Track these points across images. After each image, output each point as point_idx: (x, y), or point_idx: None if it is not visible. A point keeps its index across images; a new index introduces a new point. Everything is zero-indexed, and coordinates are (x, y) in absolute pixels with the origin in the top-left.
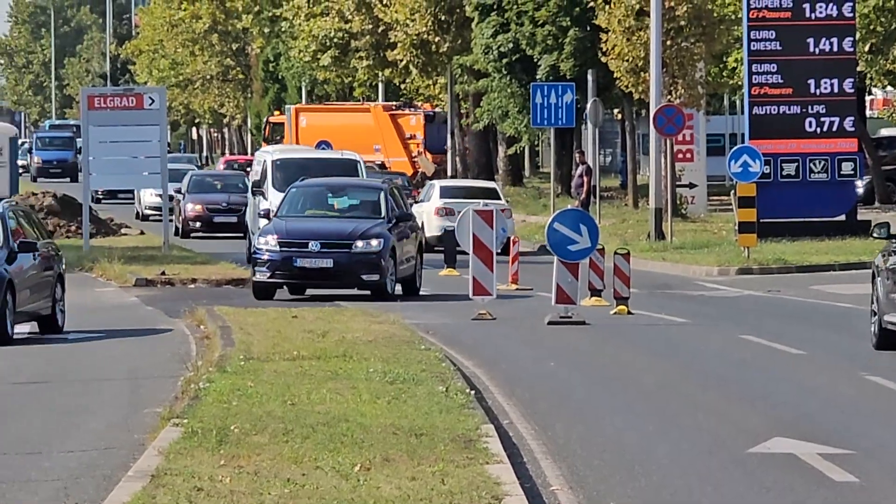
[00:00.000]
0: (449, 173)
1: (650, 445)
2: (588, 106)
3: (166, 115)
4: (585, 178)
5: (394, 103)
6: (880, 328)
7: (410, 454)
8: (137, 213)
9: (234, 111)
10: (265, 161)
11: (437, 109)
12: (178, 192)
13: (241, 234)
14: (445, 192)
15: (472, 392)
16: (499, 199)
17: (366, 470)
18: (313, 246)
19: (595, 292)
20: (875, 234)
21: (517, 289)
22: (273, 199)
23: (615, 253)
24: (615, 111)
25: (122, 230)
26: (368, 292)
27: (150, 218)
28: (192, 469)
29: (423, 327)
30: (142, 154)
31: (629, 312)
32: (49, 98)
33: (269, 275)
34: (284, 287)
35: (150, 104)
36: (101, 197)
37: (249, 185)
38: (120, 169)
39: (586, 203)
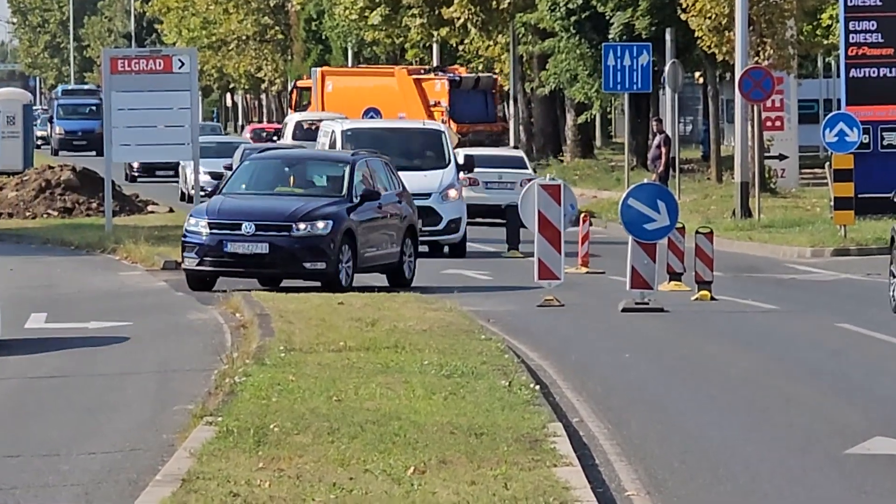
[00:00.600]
0: (511, 143)
1: (736, 445)
2: (666, 69)
3: (197, 79)
4: (663, 149)
5: (423, 67)
6: None
7: (469, 456)
8: (182, 193)
9: (273, 75)
10: (333, 132)
11: (469, 74)
12: (230, 168)
13: None
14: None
15: (538, 387)
16: (525, 168)
17: (420, 473)
18: (247, 228)
19: (674, 276)
20: None
21: (587, 272)
22: None
23: (696, 232)
24: (696, 74)
25: (149, 207)
26: (318, 283)
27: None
28: (227, 472)
29: (484, 315)
30: (170, 123)
31: (712, 298)
32: (67, 61)
33: (197, 261)
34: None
35: (180, 67)
36: (136, 174)
37: None
38: (145, 140)
39: (664, 177)
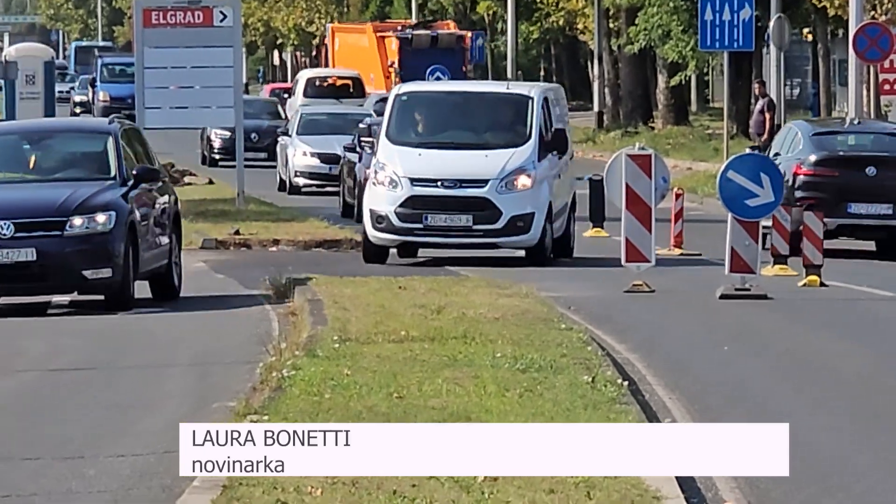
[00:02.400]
0: (596, 108)
1: (849, 451)
2: (770, 24)
3: (241, 34)
4: (766, 115)
5: (400, 22)
6: None
7: None
8: (282, 182)
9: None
10: (393, 98)
11: (447, 30)
12: (352, 149)
13: None
14: None
15: (625, 383)
16: None
17: (492, 480)
18: (1, 230)
19: (779, 259)
20: None
21: (681, 254)
22: (384, 154)
23: (805, 209)
24: (804, 31)
25: (186, 178)
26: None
27: (304, 190)
28: (273, 478)
29: (564, 302)
30: (209, 84)
31: (822, 284)
32: (94, 13)
33: None
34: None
35: (222, 20)
36: (219, 156)
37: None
38: (181, 102)
39: (768, 146)
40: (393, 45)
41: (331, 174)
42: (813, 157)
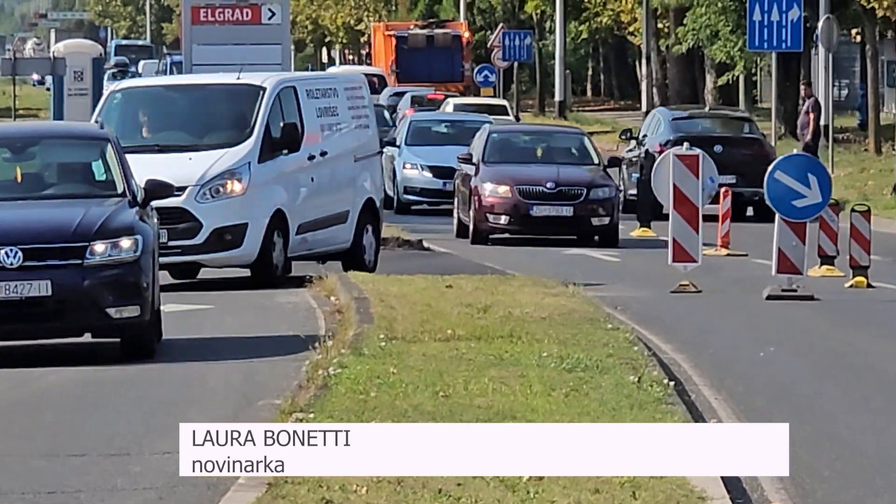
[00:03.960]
0: (644, 108)
1: (895, 453)
2: (819, 25)
3: (290, 32)
4: (812, 116)
5: (414, 22)
6: None
7: None
8: (388, 198)
9: None
10: (106, 97)
11: (443, 30)
12: (467, 159)
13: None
14: (457, 110)
15: (672, 383)
16: (507, 115)
17: (538, 479)
18: (7, 258)
19: (826, 259)
20: None
21: (728, 254)
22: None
23: (852, 210)
24: (853, 32)
25: None
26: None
27: (413, 208)
28: (319, 476)
29: (611, 301)
30: None
31: (869, 285)
32: (142, 9)
33: None
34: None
35: (270, 18)
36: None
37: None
38: None
39: (813, 147)
40: (393, 44)
41: (445, 190)
42: (671, 138)
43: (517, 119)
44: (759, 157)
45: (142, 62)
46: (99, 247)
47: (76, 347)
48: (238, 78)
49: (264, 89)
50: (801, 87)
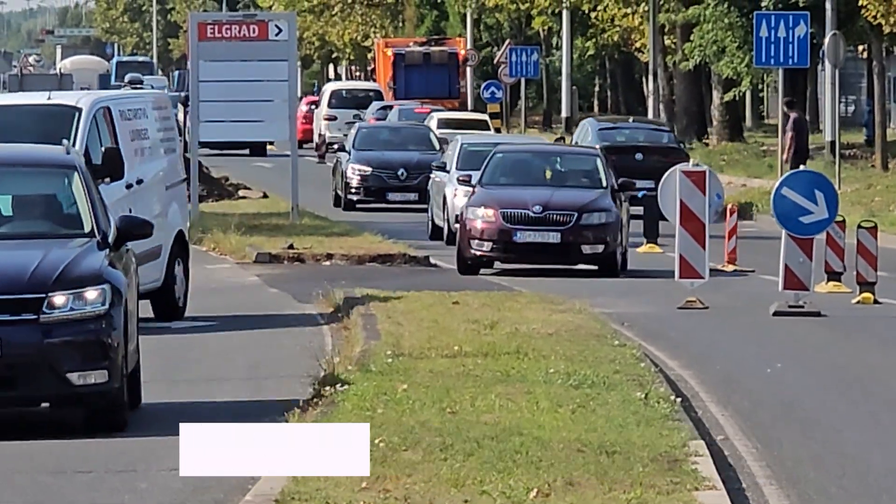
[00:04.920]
0: None
1: None
2: (826, 41)
3: (296, 48)
4: (791, 135)
5: (412, 39)
6: None
7: (600, 477)
8: (436, 229)
9: None
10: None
11: (440, 47)
12: (443, 168)
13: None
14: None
15: (678, 400)
16: (488, 129)
17: (544, 496)
18: None
19: (833, 276)
20: None
21: (735, 270)
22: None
23: (859, 226)
24: (860, 48)
25: (240, 192)
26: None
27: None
28: (326, 493)
29: (617, 318)
30: (264, 97)
31: (876, 301)
32: (149, 26)
33: None
34: None
35: (277, 34)
36: (355, 198)
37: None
38: (235, 116)
39: (796, 166)
40: (392, 60)
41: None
42: (597, 146)
43: (497, 131)
44: (675, 164)
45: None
46: (59, 299)
47: None
48: (49, 98)
49: (80, 110)
50: (783, 106)
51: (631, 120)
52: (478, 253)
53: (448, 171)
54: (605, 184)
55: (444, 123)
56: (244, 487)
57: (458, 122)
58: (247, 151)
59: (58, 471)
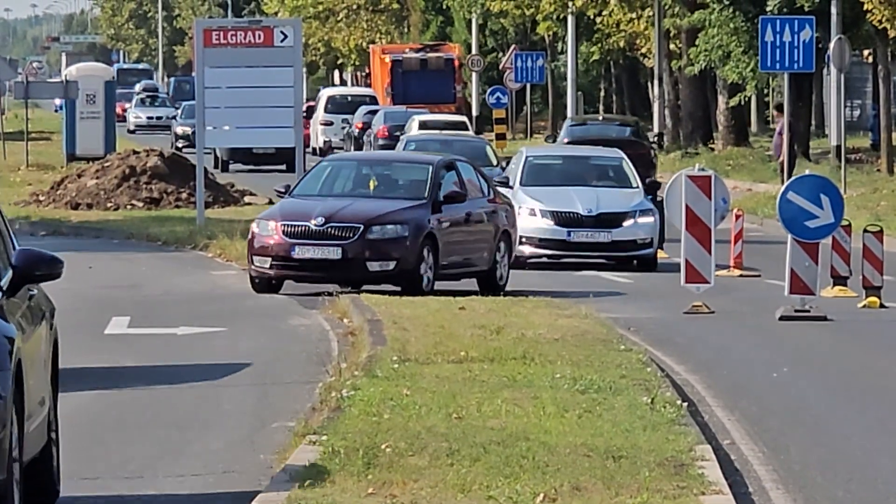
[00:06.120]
0: (656, 129)
1: None
2: (831, 46)
3: (302, 54)
4: (783, 137)
5: (408, 46)
6: None
7: (606, 482)
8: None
9: None
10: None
11: (436, 53)
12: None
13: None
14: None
15: (685, 404)
16: (467, 130)
17: (550, 501)
18: None
19: (839, 280)
20: None
21: (741, 275)
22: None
23: (865, 231)
24: (865, 52)
25: (246, 198)
26: None
27: (530, 262)
28: (332, 498)
29: (624, 323)
30: (270, 103)
31: (882, 305)
32: (154, 32)
33: None
34: None
35: (282, 40)
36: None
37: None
38: (241, 122)
39: (788, 167)
40: (389, 66)
41: (570, 241)
42: (566, 140)
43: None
44: (638, 155)
45: (137, 85)
46: None
47: (90, 371)
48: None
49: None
50: (773, 112)
51: (601, 118)
52: (260, 270)
53: (512, 187)
54: (426, 194)
55: (423, 125)
56: (251, 493)
57: (438, 124)
58: (283, 167)
59: (65, 476)
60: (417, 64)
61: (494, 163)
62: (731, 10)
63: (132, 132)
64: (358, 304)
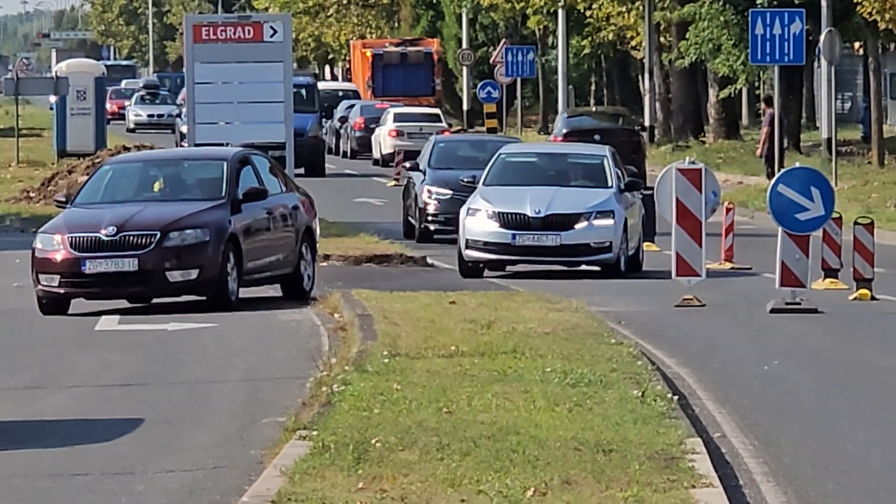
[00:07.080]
0: (647, 122)
1: None
2: (821, 38)
3: (292, 49)
4: (765, 129)
5: (388, 40)
6: None
7: (597, 476)
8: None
9: None
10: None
11: (416, 47)
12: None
13: None
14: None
15: (675, 398)
16: (440, 122)
17: (541, 495)
18: None
19: (830, 272)
20: None
21: (732, 268)
22: None
23: (855, 223)
24: (855, 45)
25: None
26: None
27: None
28: (322, 493)
29: (614, 316)
30: (260, 99)
31: (873, 298)
32: (145, 28)
33: None
34: None
35: (272, 35)
36: (433, 226)
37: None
38: (231, 117)
39: (771, 158)
40: (370, 61)
41: (515, 245)
42: (564, 131)
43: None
44: (629, 143)
45: (124, 81)
46: None
47: (80, 367)
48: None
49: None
50: (762, 104)
51: (594, 109)
52: (47, 289)
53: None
54: (224, 193)
55: (399, 117)
56: (241, 489)
57: (413, 116)
58: (301, 171)
59: (55, 474)
60: (397, 58)
61: None
62: (721, 2)
63: (132, 130)
64: (349, 299)
